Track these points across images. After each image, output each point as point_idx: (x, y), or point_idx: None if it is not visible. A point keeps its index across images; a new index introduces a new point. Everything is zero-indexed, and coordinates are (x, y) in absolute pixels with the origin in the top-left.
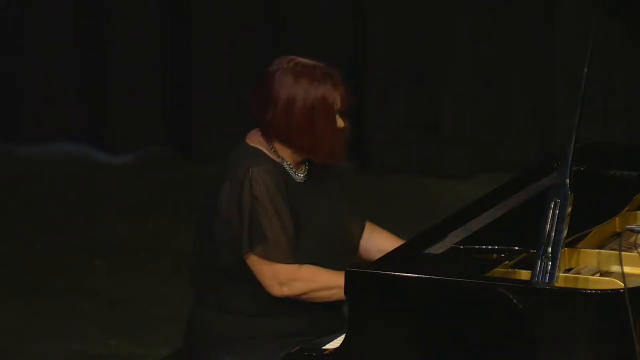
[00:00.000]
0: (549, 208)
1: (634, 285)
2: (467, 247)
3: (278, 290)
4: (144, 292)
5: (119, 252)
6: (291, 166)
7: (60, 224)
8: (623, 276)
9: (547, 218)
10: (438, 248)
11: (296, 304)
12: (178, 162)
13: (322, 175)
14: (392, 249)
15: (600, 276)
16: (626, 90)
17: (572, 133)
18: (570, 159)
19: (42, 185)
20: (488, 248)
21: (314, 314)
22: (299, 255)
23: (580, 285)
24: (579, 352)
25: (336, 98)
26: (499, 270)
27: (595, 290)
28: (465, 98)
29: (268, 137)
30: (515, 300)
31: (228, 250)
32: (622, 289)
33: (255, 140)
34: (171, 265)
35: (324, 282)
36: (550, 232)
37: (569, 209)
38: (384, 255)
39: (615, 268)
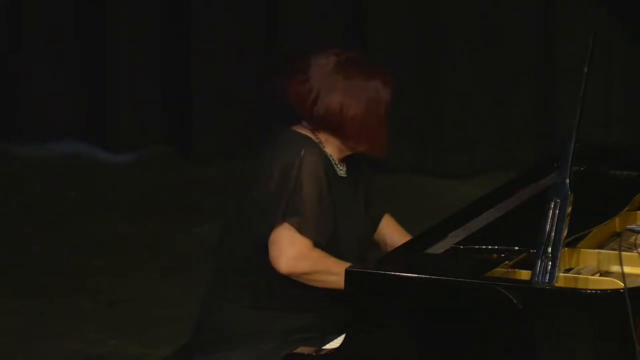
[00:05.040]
0: (549, 208)
1: (634, 285)
2: (467, 247)
3: (285, 264)
4: (144, 292)
5: (119, 252)
6: (334, 161)
7: (60, 224)
8: (623, 276)
9: (547, 218)
10: (438, 248)
11: (306, 296)
12: (178, 162)
13: (358, 175)
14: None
15: (600, 276)
16: (626, 90)
17: (572, 133)
18: (570, 159)
19: (42, 185)
20: (488, 248)
21: (320, 309)
22: (325, 244)
23: (580, 285)
24: (579, 352)
25: (386, 91)
26: (499, 270)
27: (595, 290)
28: (466, 98)
29: (317, 130)
30: (515, 300)
31: (262, 221)
32: (622, 289)
33: (304, 131)
34: (171, 265)
35: (329, 266)
36: (550, 232)
37: (569, 209)
38: (384, 255)
39: (615, 268)
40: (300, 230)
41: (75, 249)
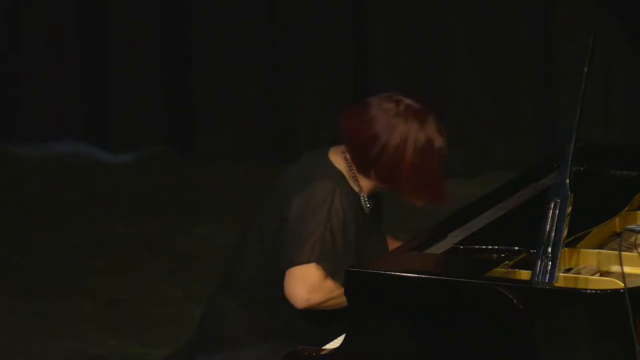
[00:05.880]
0: (549, 208)
1: (634, 285)
2: (467, 247)
3: (301, 300)
4: (144, 292)
5: (119, 252)
6: (365, 198)
7: (60, 224)
8: (623, 276)
9: (547, 218)
10: (438, 248)
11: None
12: (178, 162)
13: (379, 207)
14: None
15: (600, 276)
16: (626, 90)
17: (572, 133)
18: (570, 159)
19: (42, 185)
20: (488, 248)
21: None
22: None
23: (580, 285)
24: (579, 352)
25: (442, 140)
26: (499, 270)
27: (595, 290)
28: (466, 98)
29: (363, 173)
30: (515, 300)
31: (283, 256)
32: (622, 289)
33: (339, 162)
34: (171, 265)
35: (341, 289)
36: (550, 232)
37: (569, 209)
38: (383, 255)
39: (615, 268)
40: (330, 275)
41: (75, 249)
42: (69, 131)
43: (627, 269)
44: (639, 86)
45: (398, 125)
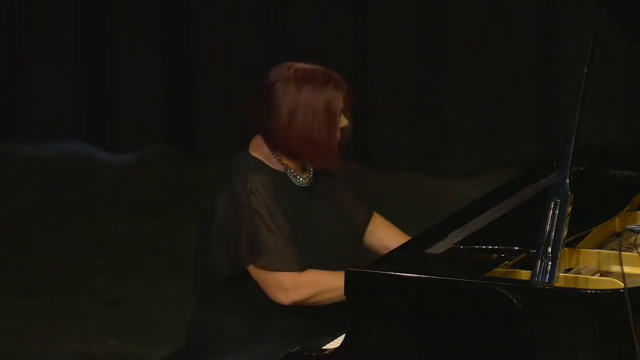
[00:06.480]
0: (549, 208)
1: (634, 285)
2: (467, 247)
3: (284, 297)
4: (144, 292)
5: (119, 252)
6: (294, 173)
7: (60, 224)
8: (623, 276)
9: (547, 218)
10: (438, 248)
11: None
12: (178, 162)
13: (327, 178)
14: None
15: (600, 276)
16: (626, 90)
17: (572, 133)
18: (570, 159)
19: (42, 185)
20: (488, 248)
21: (316, 314)
22: (307, 264)
23: (580, 285)
24: (579, 352)
25: (339, 100)
26: (499, 270)
27: (595, 290)
28: (466, 98)
29: (272, 146)
30: (515, 300)
31: (226, 260)
32: (622, 289)
33: (257, 149)
34: (171, 265)
35: (328, 283)
36: (550, 232)
37: (569, 209)
38: (383, 255)
39: (615, 268)
40: (272, 267)
41: (75, 249)
42: (69, 131)
43: (627, 269)
44: (639, 86)
45: (288, 91)
